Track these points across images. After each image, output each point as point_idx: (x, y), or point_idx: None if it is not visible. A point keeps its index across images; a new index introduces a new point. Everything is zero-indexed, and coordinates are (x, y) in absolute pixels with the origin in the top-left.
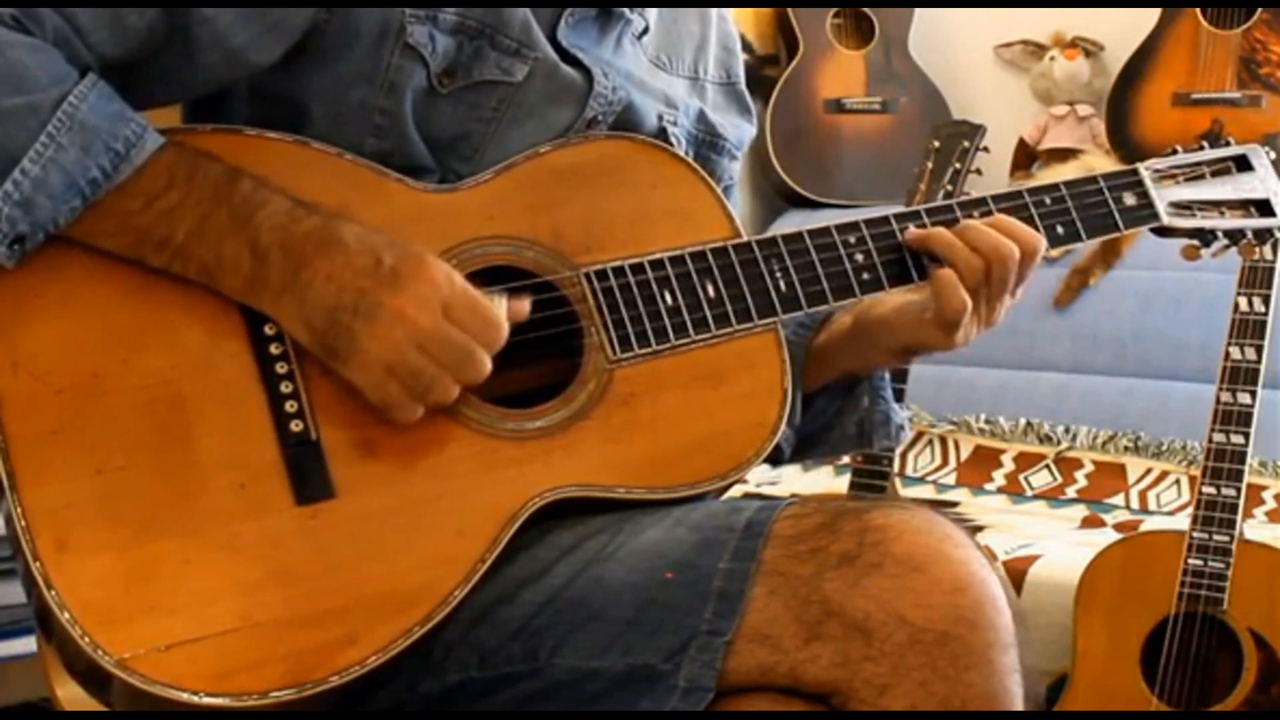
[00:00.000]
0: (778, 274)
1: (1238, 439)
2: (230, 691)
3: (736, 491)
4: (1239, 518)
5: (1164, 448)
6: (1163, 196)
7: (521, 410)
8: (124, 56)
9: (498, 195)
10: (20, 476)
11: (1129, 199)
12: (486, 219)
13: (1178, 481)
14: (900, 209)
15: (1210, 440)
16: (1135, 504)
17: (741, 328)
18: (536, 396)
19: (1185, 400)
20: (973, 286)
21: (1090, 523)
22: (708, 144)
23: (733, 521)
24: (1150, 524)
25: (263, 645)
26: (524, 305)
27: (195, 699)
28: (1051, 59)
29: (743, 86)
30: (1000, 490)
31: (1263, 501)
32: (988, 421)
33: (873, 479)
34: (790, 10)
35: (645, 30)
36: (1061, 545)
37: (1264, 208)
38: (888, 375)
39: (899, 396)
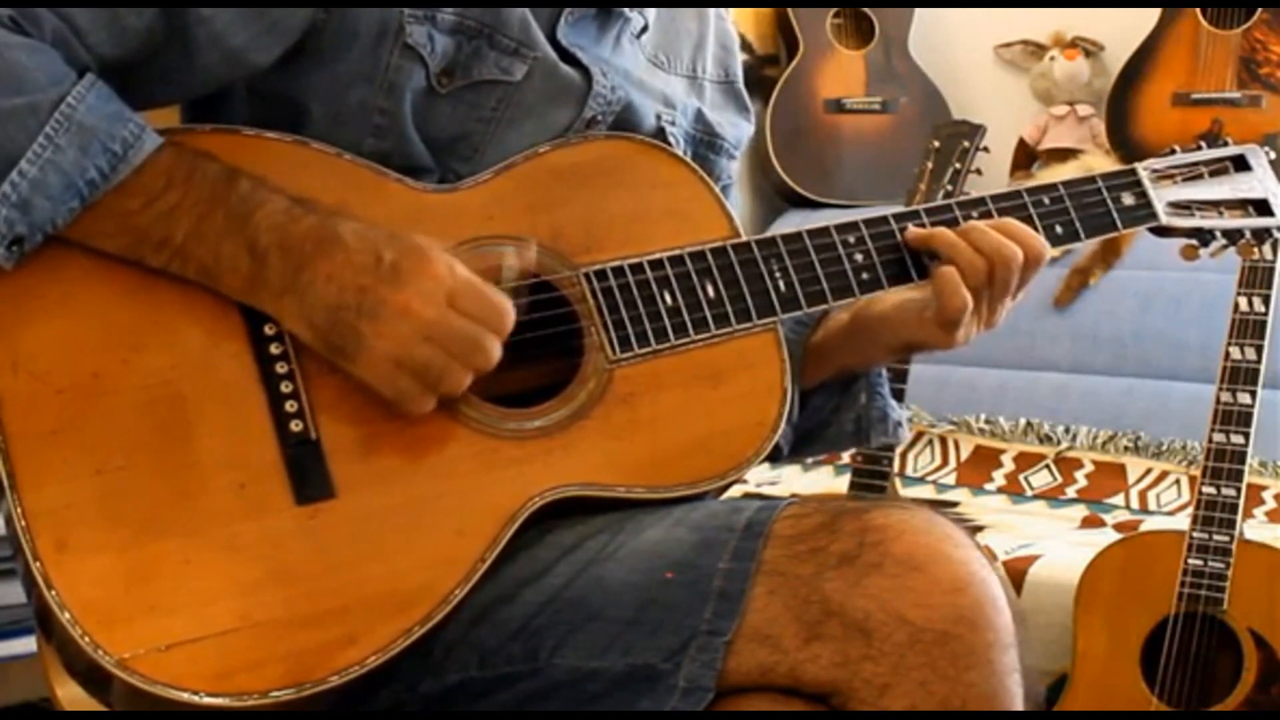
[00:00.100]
0: (777, 274)
1: (1238, 439)
2: (230, 691)
3: (736, 491)
4: (1239, 518)
5: (1164, 448)
6: (1161, 196)
7: (521, 410)
8: (123, 57)
9: (497, 195)
10: (20, 476)
11: (1127, 199)
12: (486, 219)
13: (1178, 481)
14: (900, 209)
15: (1210, 440)
16: (1135, 504)
17: (741, 328)
18: (536, 396)
19: (1185, 400)
20: (974, 286)
21: (1090, 523)
22: (706, 144)
23: (733, 521)
24: (1150, 524)
25: (263, 645)
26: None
27: (195, 699)
28: (1051, 59)
29: (741, 85)
30: (1000, 490)
31: (1263, 501)
32: (988, 421)
33: (873, 479)
34: (790, 10)
35: (644, 29)
36: (1061, 545)
37: (1262, 207)
38: (885, 372)
39: (898, 396)
